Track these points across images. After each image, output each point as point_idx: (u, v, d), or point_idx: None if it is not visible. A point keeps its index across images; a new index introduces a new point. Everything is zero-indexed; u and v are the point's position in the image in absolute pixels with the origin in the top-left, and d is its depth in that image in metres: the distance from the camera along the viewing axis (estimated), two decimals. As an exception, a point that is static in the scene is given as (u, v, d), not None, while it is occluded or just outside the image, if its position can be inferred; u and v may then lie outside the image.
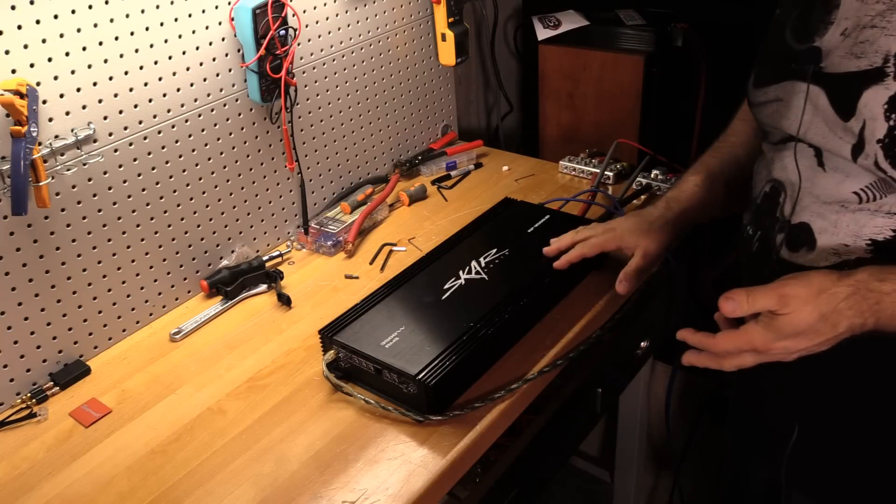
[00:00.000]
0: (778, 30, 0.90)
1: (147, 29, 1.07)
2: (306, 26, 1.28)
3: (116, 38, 1.03)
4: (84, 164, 1.04)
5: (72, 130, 1.01)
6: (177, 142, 1.15)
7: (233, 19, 1.16)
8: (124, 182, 1.09)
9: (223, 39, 1.17)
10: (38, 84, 0.96)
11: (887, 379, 0.85)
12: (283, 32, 1.18)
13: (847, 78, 0.79)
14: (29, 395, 1.03)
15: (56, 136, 1.00)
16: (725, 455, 1.24)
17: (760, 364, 0.79)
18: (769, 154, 0.92)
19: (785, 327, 0.76)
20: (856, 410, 0.89)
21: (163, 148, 1.13)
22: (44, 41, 0.96)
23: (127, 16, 1.04)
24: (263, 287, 1.22)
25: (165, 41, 1.09)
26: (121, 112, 1.07)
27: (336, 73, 1.37)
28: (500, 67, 1.77)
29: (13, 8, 0.92)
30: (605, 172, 1.41)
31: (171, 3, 1.08)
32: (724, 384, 1.12)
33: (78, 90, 1.01)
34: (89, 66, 1.01)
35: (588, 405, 1.22)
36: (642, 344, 1.34)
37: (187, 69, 1.13)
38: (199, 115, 1.17)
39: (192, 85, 1.14)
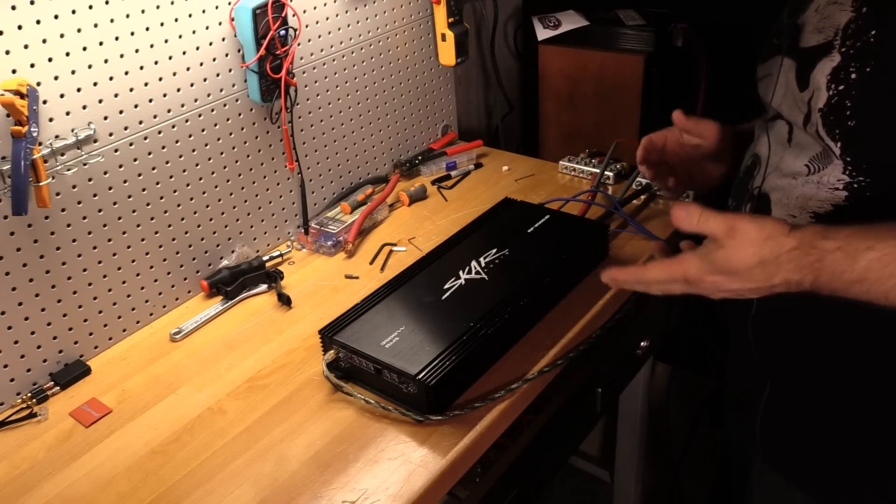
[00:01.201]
0: (783, 8, 0.92)
1: (147, 29, 1.07)
2: (306, 26, 1.28)
3: (117, 39, 1.04)
4: (84, 164, 1.04)
5: (72, 130, 1.02)
6: (177, 142, 1.15)
7: (233, 19, 1.16)
8: (124, 182, 1.09)
9: (223, 39, 1.17)
10: (38, 84, 0.96)
11: (857, 339, 0.86)
12: (283, 32, 1.18)
13: (809, 52, 0.82)
14: (29, 394, 1.03)
15: (56, 136, 1.00)
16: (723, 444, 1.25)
17: (737, 335, 0.79)
18: (757, 131, 0.96)
19: (722, 262, 0.76)
20: (826, 368, 0.90)
21: (163, 148, 1.13)
22: (44, 41, 0.96)
23: (127, 16, 1.04)
24: (263, 287, 1.22)
25: (166, 41, 1.09)
26: (121, 112, 1.07)
27: (336, 73, 1.37)
28: (500, 67, 1.77)
29: (13, 8, 0.92)
30: (605, 172, 1.41)
31: (172, 3, 1.08)
32: (723, 383, 1.13)
33: (78, 90, 1.01)
34: (90, 67, 1.01)
35: (588, 405, 1.22)
36: (642, 344, 1.34)
37: (187, 69, 1.13)
38: (200, 116, 1.17)
39: (192, 85, 1.14)
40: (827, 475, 0.94)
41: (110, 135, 1.06)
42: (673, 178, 1.13)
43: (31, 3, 0.93)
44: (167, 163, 1.14)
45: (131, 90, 1.07)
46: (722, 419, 1.47)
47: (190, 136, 1.16)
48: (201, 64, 1.15)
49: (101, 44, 1.02)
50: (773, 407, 0.96)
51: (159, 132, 1.12)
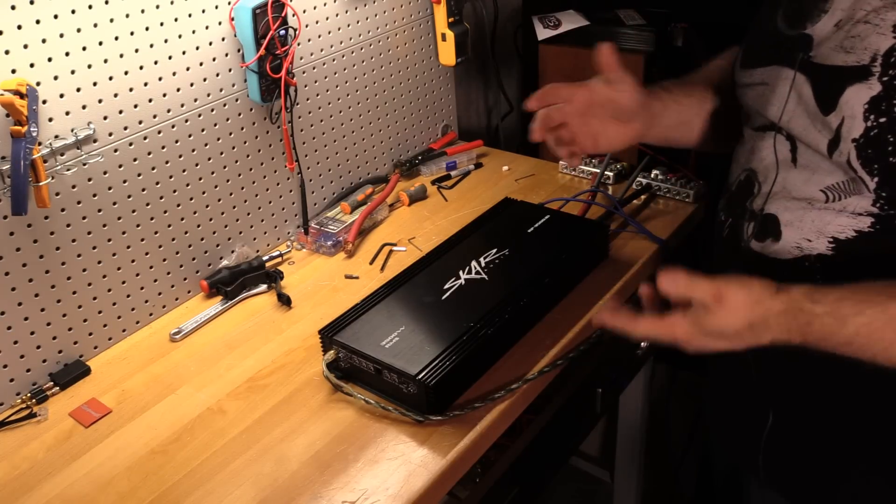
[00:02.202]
0: (771, 11, 0.89)
1: (147, 29, 1.07)
2: (306, 26, 1.28)
3: (116, 38, 1.03)
4: (84, 164, 1.04)
5: (72, 130, 1.01)
6: (177, 142, 1.15)
7: (233, 19, 1.16)
8: (124, 182, 1.09)
9: (223, 39, 1.17)
10: (38, 84, 0.96)
11: (859, 367, 0.85)
12: (283, 32, 1.18)
13: (833, 71, 0.78)
14: (29, 395, 1.03)
15: (56, 136, 1.00)
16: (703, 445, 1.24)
17: (735, 354, 0.79)
18: (749, 142, 0.92)
19: (711, 326, 0.76)
20: (829, 398, 0.89)
21: (163, 148, 1.13)
22: (44, 41, 0.96)
23: (127, 16, 1.04)
24: (263, 287, 1.22)
25: (165, 41, 1.09)
26: (121, 112, 1.07)
27: (336, 73, 1.37)
28: (500, 67, 1.77)
29: (13, 8, 0.92)
30: (605, 172, 1.41)
31: (172, 2, 1.08)
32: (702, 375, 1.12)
33: (78, 90, 1.01)
34: (89, 66, 1.01)
35: (588, 405, 1.22)
36: (642, 344, 1.34)
37: (187, 69, 1.13)
38: (199, 115, 1.17)
39: (192, 85, 1.14)
40: (835, 499, 0.92)
41: (110, 135, 1.06)
42: (572, 144, 1.00)
43: (31, 3, 0.93)
44: (167, 163, 1.14)
45: (131, 90, 1.07)
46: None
47: (190, 136, 1.16)
48: (201, 64, 1.15)
49: (100, 44, 1.02)
50: (777, 437, 0.94)
51: (159, 132, 1.12)
